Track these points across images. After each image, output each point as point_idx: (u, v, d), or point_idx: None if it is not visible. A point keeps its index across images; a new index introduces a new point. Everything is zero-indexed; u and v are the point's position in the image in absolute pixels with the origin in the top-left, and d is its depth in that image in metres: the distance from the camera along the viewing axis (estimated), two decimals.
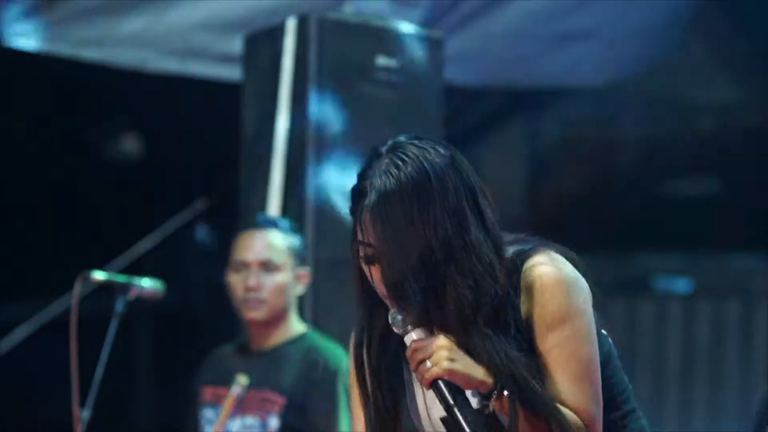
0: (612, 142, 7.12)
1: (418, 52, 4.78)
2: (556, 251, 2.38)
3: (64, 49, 5.39)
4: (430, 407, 2.40)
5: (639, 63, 6.29)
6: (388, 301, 2.32)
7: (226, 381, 4.13)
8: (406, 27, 4.87)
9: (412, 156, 2.29)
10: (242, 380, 4.04)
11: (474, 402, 2.29)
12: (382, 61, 4.69)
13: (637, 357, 6.91)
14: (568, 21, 5.97)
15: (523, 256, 2.36)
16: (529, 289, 2.33)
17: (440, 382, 2.26)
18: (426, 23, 5.47)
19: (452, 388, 2.26)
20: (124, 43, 5.40)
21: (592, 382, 2.33)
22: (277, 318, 4.10)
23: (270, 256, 4.08)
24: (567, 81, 6.46)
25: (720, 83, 6.69)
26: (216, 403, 4.15)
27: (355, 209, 2.31)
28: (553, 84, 6.51)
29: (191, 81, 5.59)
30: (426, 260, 2.25)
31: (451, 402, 2.25)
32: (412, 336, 2.29)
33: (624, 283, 6.91)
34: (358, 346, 2.42)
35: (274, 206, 4.60)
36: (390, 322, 2.31)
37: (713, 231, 6.42)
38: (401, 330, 2.30)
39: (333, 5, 5.08)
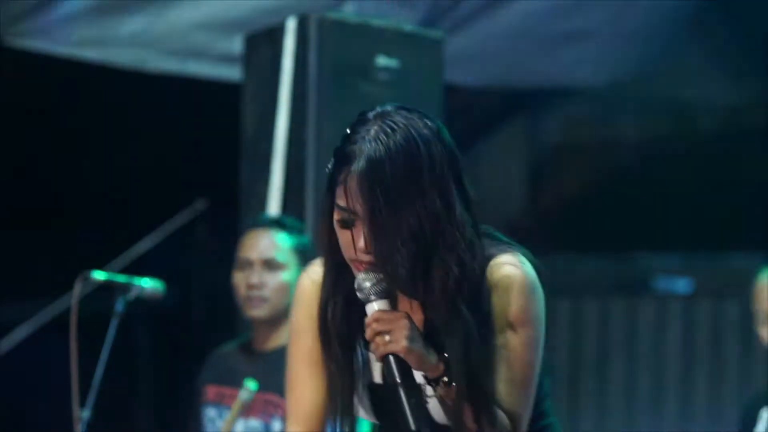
0: (612, 142, 7.12)
1: (418, 52, 4.78)
2: (522, 253, 2.38)
3: (64, 49, 5.39)
4: (364, 370, 2.40)
5: (639, 63, 6.29)
6: (354, 267, 2.32)
7: (229, 380, 4.13)
8: (407, 27, 4.87)
9: (402, 125, 2.29)
10: (251, 386, 4.03)
11: (419, 379, 2.29)
12: (382, 61, 4.68)
13: (636, 357, 6.90)
14: (568, 21, 5.97)
15: (491, 252, 2.35)
16: (495, 286, 2.33)
17: (391, 358, 2.26)
18: (426, 23, 5.47)
19: (401, 366, 2.26)
20: (124, 43, 5.40)
21: (529, 389, 2.35)
22: (280, 317, 4.10)
23: (273, 255, 4.08)
24: (567, 81, 6.46)
25: (720, 83, 6.69)
26: (219, 403, 4.14)
27: (338, 172, 2.29)
28: (553, 84, 6.51)
29: (191, 81, 5.59)
30: (412, 229, 2.25)
31: (398, 380, 2.25)
32: (374, 306, 2.29)
33: (624, 283, 6.91)
34: (324, 307, 2.40)
35: (274, 206, 4.60)
36: (356, 286, 2.30)
37: (713, 231, 6.42)
38: (365, 296, 2.29)
39: (333, 5, 5.08)
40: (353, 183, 2.26)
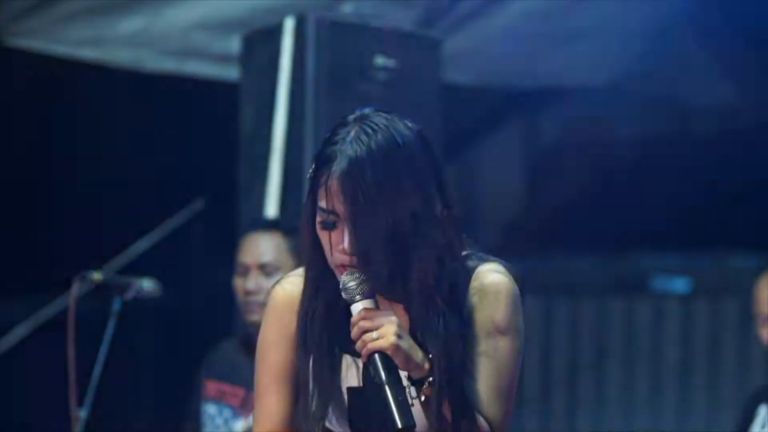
0: (611, 142, 7.12)
1: (416, 52, 4.78)
2: (505, 266, 2.40)
3: (62, 48, 5.40)
4: (344, 378, 2.39)
5: (638, 63, 6.29)
6: (337, 269, 2.32)
7: (230, 377, 4.12)
8: (405, 27, 4.87)
9: (382, 126, 2.30)
10: None
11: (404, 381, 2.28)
12: (380, 61, 4.68)
13: (634, 356, 6.91)
14: (567, 21, 5.97)
15: (477, 259, 2.38)
16: (481, 291, 2.35)
17: (377, 356, 2.24)
18: (424, 23, 5.47)
19: (388, 364, 2.25)
20: (122, 43, 5.40)
21: (509, 398, 2.35)
22: None
23: (269, 259, 4.07)
24: (566, 81, 6.46)
25: (719, 83, 6.69)
26: (219, 400, 4.14)
27: (319, 175, 2.30)
28: (552, 84, 6.51)
29: (189, 81, 5.59)
30: (393, 229, 2.26)
31: (384, 378, 2.23)
32: (360, 306, 2.28)
33: (622, 283, 6.91)
34: (304, 315, 2.40)
35: (272, 206, 4.60)
36: (341, 287, 2.30)
37: (711, 231, 6.42)
38: (350, 297, 2.29)
39: (331, 5, 5.09)
40: (334, 184, 2.27)
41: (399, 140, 2.29)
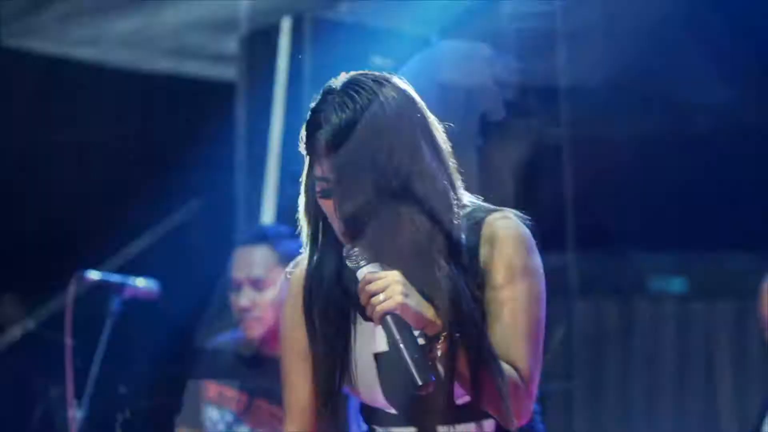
0: (610, 142, 7.12)
1: (413, 52, 4.77)
2: (515, 216, 2.41)
3: (61, 48, 5.41)
4: (364, 345, 2.39)
5: (638, 62, 6.29)
6: (343, 237, 2.32)
7: (231, 380, 4.11)
8: (402, 27, 4.87)
9: (367, 88, 2.32)
10: None
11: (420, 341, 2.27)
12: (377, 61, 4.69)
13: (631, 357, 6.90)
14: (567, 21, 5.97)
15: (486, 209, 2.39)
16: (492, 239, 2.35)
17: (389, 318, 2.23)
18: (422, 23, 5.47)
19: (400, 324, 2.23)
20: (120, 43, 5.41)
21: (537, 342, 2.34)
22: (278, 330, 4.06)
23: (258, 274, 4.03)
24: (566, 81, 6.46)
25: (719, 83, 6.69)
26: (221, 404, 4.12)
27: (310, 144, 2.32)
28: (552, 84, 6.51)
29: (187, 80, 5.59)
30: (382, 189, 2.26)
31: (398, 338, 2.22)
32: (364, 271, 2.27)
33: (618, 284, 6.91)
34: (308, 287, 2.41)
35: (269, 207, 4.60)
36: (344, 255, 2.30)
37: (708, 231, 6.42)
38: (354, 263, 2.29)
39: (328, 5, 5.09)
40: (323, 150, 2.28)
41: (384, 101, 2.30)
